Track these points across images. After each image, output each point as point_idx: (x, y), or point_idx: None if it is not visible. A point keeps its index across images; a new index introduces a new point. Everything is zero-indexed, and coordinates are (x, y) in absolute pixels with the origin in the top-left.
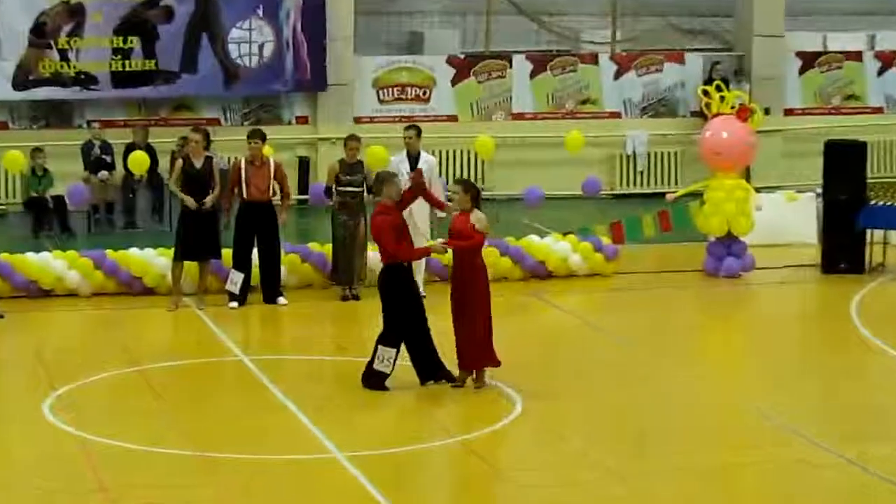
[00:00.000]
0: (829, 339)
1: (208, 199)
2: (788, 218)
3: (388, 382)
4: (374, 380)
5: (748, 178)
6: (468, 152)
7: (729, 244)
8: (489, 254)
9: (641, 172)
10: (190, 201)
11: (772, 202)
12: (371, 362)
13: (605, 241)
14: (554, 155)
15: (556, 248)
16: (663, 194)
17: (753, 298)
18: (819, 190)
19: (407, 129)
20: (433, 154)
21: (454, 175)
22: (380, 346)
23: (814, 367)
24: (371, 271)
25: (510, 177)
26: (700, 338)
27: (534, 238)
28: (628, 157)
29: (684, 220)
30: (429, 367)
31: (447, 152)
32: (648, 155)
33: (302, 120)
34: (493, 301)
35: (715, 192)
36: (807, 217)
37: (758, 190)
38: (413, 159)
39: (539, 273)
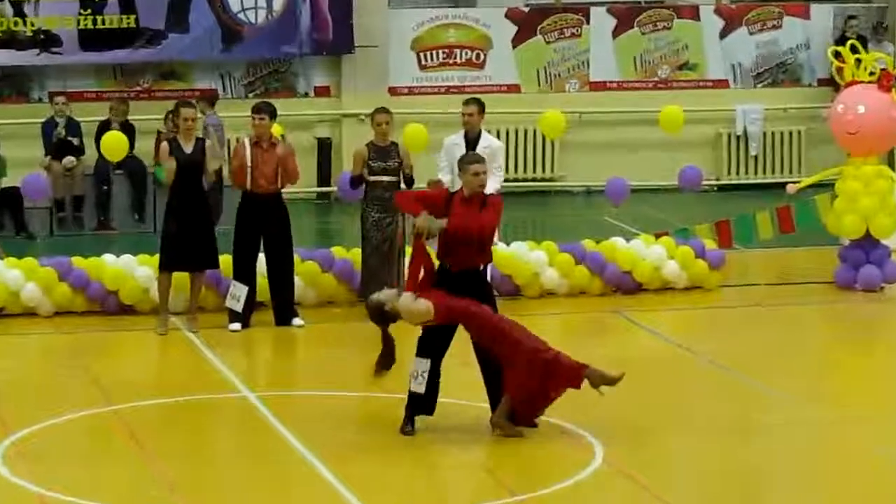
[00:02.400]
0: None
1: (211, 170)
2: None
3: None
4: (409, 406)
5: (892, 165)
6: (532, 132)
7: (867, 249)
8: (562, 262)
9: (755, 157)
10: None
11: None
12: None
13: (709, 244)
14: (643, 135)
15: (646, 253)
16: (783, 185)
17: None
18: None
19: (467, 103)
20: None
21: (516, 163)
22: (415, 358)
23: None
24: None
25: (586, 163)
26: (832, 369)
27: (618, 241)
28: (738, 137)
29: (810, 219)
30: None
31: (506, 132)
32: (764, 135)
33: (322, 91)
34: (568, 319)
35: (849, 183)
36: None
37: None
38: (472, 141)
39: (625, 285)
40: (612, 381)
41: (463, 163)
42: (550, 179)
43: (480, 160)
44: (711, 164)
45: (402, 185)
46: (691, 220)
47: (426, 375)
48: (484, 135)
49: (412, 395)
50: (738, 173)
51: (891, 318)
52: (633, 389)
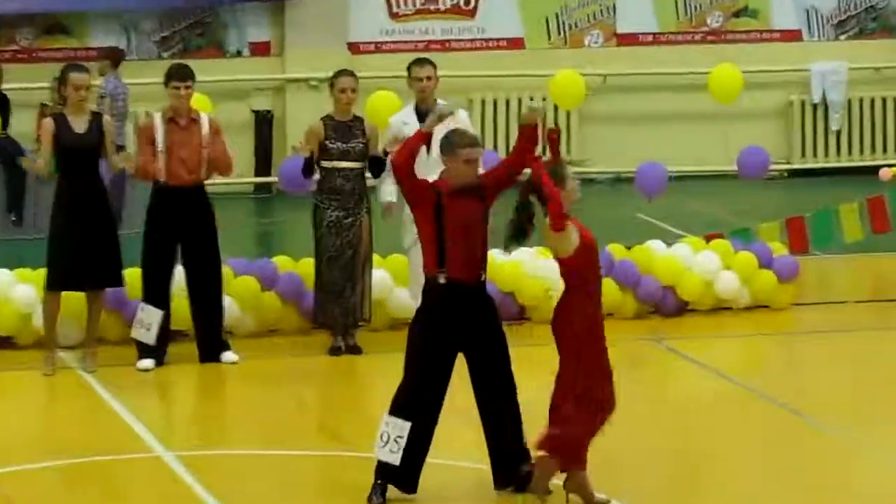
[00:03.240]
0: None
1: (118, 161)
2: None
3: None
4: (378, 474)
5: None
6: (541, 100)
7: None
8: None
9: (837, 133)
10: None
11: None
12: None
13: (778, 249)
14: (688, 105)
15: (693, 262)
16: (875, 169)
17: None
18: None
19: (420, 64)
20: (470, 108)
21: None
22: (385, 415)
23: None
24: (379, 304)
25: (613, 142)
26: None
27: (656, 246)
28: (815, 106)
29: None
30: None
31: (506, 101)
32: (849, 103)
33: (260, 49)
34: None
35: None
36: None
37: None
38: (427, 115)
39: (665, 305)
40: (587, 500)
41: (451, 145)
42: (567, 163)
43: (475, 142)
44: (779, 142)
45: (368, 174)
46: (754, 217)
47: (402, 441)
48: (441, 105)
49: (382, 464)
50: (814, 154)
51: None
52: (678, 444)
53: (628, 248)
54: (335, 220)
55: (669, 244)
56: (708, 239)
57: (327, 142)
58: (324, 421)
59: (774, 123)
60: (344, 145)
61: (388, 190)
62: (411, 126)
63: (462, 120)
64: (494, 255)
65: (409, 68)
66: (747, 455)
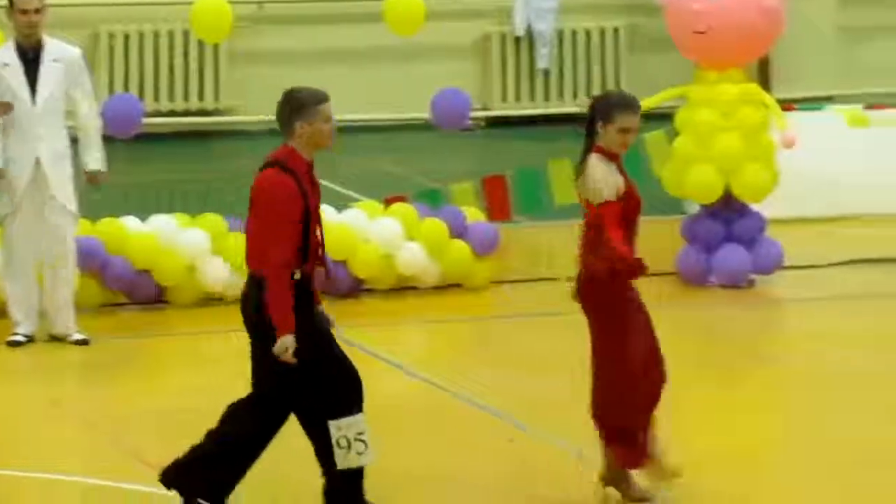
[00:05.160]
0: None
1: None
2: (852, 164)
3: None
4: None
5: (767, 83)
6: (182, 36)
7: (728, 218)
8: (234, 246)
9: (545, 72)
10: None
11: (816, 132)
12: None
13: (473, 215)
14: (361, 40)
15: (369, 231)
16: None
17: (786, 335)
18: None
19: None
20: (95, 46)
21: (157, 87)
22: (330, 424)
23: None
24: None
25: (271, 85)
26: (673, 415)
27: (326, 212)
28: (517, 40)
29: (636, 171)
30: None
31: (139, 36)
32: (559, 35)
33: None
34: (242, 344)
35: (698, 113)
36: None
37: (785, 107)
38: (33, 54)
39: (338, 285)
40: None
41: (307, 102)
42: (214, 112)
43: (328, 96)
44: (474, 84)
45: None
46: (443, 176)
47: (365, 437)
48: (50, 42)
49: (351, 474)
50: (517, 99)
51: (769, 332)
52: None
53: None
54: None
55: (340, 209)
56: (387, 203)
57: None
58: None
59: (468, 62)
60: None
61: (95, 156)
62: (12, 68)
63: (74, 63)
64: None
65: None
66: (439, 470)
